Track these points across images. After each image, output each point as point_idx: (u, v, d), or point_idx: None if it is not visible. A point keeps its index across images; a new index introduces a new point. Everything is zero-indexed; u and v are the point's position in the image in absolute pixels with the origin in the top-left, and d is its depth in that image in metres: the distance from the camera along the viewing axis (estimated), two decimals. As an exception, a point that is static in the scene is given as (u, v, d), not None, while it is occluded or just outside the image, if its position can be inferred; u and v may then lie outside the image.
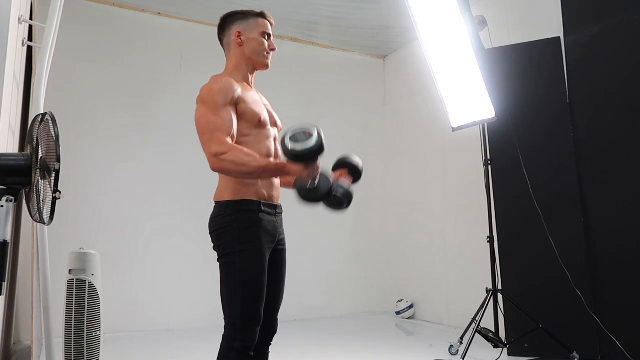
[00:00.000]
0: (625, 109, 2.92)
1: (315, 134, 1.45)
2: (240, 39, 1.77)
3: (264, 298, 1.64)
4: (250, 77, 1.81)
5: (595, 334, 2.90)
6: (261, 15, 1.81)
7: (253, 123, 1.68)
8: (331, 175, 1.65)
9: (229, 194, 1.64)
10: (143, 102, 4.18)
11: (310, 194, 1.57)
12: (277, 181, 1.77)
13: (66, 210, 3.04)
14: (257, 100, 1.75)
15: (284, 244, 1.80)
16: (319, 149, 1.46)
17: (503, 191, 3.30)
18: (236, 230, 1.62)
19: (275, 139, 1.80)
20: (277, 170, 1.59)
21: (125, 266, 3.90)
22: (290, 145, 1.45)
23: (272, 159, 1.70)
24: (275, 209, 1.74)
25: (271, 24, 1.84)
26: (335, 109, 5.09)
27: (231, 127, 1.60)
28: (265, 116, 1.74)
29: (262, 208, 1.66)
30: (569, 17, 3.21)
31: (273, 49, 1.82)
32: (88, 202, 3.84)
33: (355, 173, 1.78)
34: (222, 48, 1.86)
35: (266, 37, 1.80)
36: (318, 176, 1.54)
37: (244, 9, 1.84)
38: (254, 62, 1.79)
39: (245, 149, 1.57)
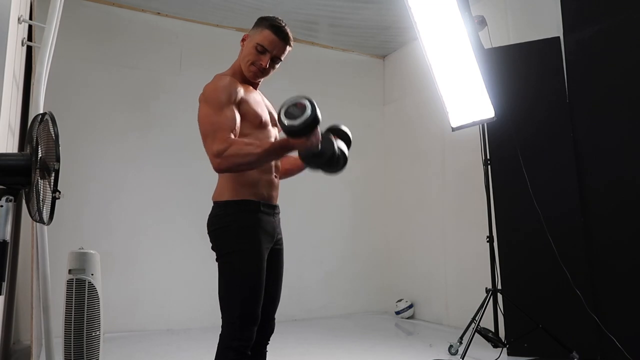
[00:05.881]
0: (625, 108, 2.92)
1: (308, 105, 1.43)
2: (243, 42, 1.76)
3: (262, 298, 1.64)
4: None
5: (595, 334, 2.90)
6: (271, 28, 1.69)
7: (254, 124, 1.68)
8: (331, 136, 1.60)
9: (228, 193, 1.64)
10: (142, 101, 4.19)
11: (318, 160, 1.55)
12: (276, 181, 1.77)
13: (66, 210, 3.03)
14: (259, 102, 1.75)
15: (281, 244, 1.80)
16: (315, 119, 1.44)
17: (503, 191, 3.30)
18: (235, 230, 1.62)
19: (276, 139, 1.80)
20: (282, 149, 1.54)
21: (125, 266, 3.89)
22: (287, 122, 1.43)
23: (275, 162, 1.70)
24: (274, 209, 1.74)
25: (283, 46, 1.72)
26: (335, 108, 5.07)
27: (234, 125, 1.59)
28: (266, 117, 1.74)
29: (261, 208, 1.66)
30: (568, 17, 3.21)
31: (260, 66, 1.70)
32: (88, 202, 3.85)
33: (345, 140, 1.74)
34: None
35: (259, 50, 1.69)
36: (320, 140, 1.51)
37: (267, 15, 1.75)
38: (241, 69, 1.75)
39: (245, 139, 1.56)
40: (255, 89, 1.81)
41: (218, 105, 1.59)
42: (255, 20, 1.78)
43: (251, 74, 1.74)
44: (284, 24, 1.73)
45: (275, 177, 1.76)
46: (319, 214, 4.83)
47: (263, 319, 1.66)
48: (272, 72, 1.78)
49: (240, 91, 1.66)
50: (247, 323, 1.59)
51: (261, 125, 1.71)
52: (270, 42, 1.70)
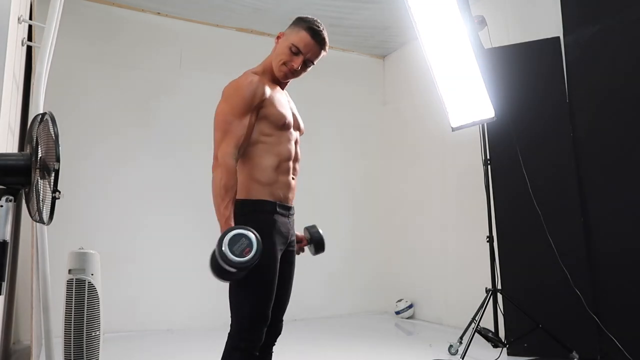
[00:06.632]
0: (625, 108, 2.92)
1: (249, 257, 1.40)
2: (278, 39, 1.75)
3: (273, 299, 1.63)
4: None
5: (595, 334, 2.90)
6: (308, 30, 1.67)
7: (277, 125, 1.66)
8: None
9: (244, 193, 1.62)
10: (142, 101, 4.19)
11: (215, 262, 1.48)
12: (293, 183, 1.75)
13: (66, 210, 3.02)
14: (284, 103, 1.73)
15: (294, 246, 1.79)
16: (238, 269, 1.42)
17: (502, 191, 3.30)
18: None
19: (296, 142, 1.79)
20: (221, 224, 1.51)
21: (125, 266, 3.89)
22: (225, 245, 1.40)
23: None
24: (289, 211, 1.72)
25: (318, 50, 1.70)
26: (335, 108, 5.09)
27: (242, 137, 1.59)
28: (289, 119, 1.72)
29: (277, 209, 1.65)
30: (568, 17, 3.21)
31: (292, 68, 1.69)
32: (88, 202, 3.84)
33: (317, 247, 1.83)
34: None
35: (293, 51, 1.68)
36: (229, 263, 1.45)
37: (305, 16, 1.72)
38: (272, 67, 1.73)
39: (232, 186, 1.52)
40: (283, 89, 1.79)
41: (236, 107, 1.59)
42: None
43: (282, 74, 1.72)
44: (322, 28, 1.71)
45: (293, 179, 1.75)
46: (319, 214, 4.79)
47: (271, 320, 1.65)
48: (303, 75, 1.76)
49: (266, 91, 1.64)
50: (257, 324, 1.59)
51: (284, 127, 1.69)
52: (306, 44, 1.68)
